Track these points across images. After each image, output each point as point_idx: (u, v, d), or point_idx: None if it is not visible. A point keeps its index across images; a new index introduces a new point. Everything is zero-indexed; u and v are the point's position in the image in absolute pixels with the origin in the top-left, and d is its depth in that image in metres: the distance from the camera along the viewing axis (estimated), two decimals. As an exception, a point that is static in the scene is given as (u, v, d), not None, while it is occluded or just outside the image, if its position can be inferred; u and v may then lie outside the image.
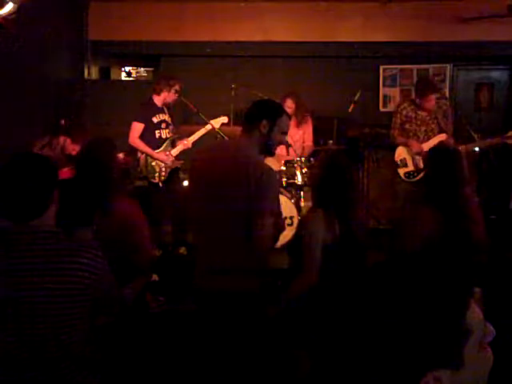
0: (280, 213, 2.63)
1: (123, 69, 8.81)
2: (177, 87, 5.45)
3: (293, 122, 5.75)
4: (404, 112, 5.30)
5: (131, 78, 8.79)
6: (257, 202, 2.47)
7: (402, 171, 5.35)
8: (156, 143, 5.45)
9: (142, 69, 8.82)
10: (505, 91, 7.41)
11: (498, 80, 7.45)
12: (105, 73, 8.54)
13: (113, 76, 8.75)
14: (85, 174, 2.78)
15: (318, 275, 2.72)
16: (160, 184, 5.48)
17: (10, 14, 4.48)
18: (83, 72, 7.30)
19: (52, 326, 1.90)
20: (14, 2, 4.43)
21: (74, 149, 5.30)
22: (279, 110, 2.71)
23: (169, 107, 5.57)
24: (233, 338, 2.57)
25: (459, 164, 2.93)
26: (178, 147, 5.51)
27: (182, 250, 5.50)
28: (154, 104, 5.49)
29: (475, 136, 5.22)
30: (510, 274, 4.00)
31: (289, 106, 5.72)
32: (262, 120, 2.61)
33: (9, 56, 5.31)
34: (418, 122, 5.25)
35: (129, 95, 6.91)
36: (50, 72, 6.47)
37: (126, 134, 5.51)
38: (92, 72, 7.69)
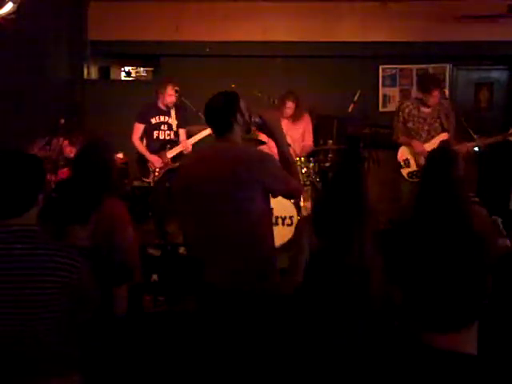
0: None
1: (123, 69, 8.81)
2: (168, 89, 5.43)
3: (292, 121, 5.75)
4: (407, 110, 5.26)
5: (131, 78, 8.79)
6: (272, 184, 2.61)
7: (405, 171, 5.32)
8: (153, 144, 5.52)
9: (142, 69, 8.82)
10: (504, 91, 7.42)
11: (497, 80, 7.45)
12: (104, 73, 8.55)
13: (112, 76, 8.75)
14: (81, 175, 2.77)
15: None
16: (151, 184, 5.53)
17: (9, 13, 4.48)
18: (83, 72, 7.31)
19: (26, 324, 1.89)
20: (14, 2, 4.43)
21: (71, 151, 5.31)
22: (237, 97, 2.73)
23: (178, 109, 5.55)
24: (245, 336, 2.56)
25: (453, 166, 2.89)
26: (174, 149, 5.53)
27: (182, 249, 5.50)
28: (156, 105, 5.52)
29: (474, 136, 5.21)
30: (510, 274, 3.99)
31: (289, 106, 5.70)
32: (235, 115, 2.66)
33: (9, 56, 5.31)
34: (421, 120, 5.21)
35: (128, 95, 6.92)
36: (49, 72, 6.46)
37: (126, 134, 5.53)
38: (91, 72, 7.70)
